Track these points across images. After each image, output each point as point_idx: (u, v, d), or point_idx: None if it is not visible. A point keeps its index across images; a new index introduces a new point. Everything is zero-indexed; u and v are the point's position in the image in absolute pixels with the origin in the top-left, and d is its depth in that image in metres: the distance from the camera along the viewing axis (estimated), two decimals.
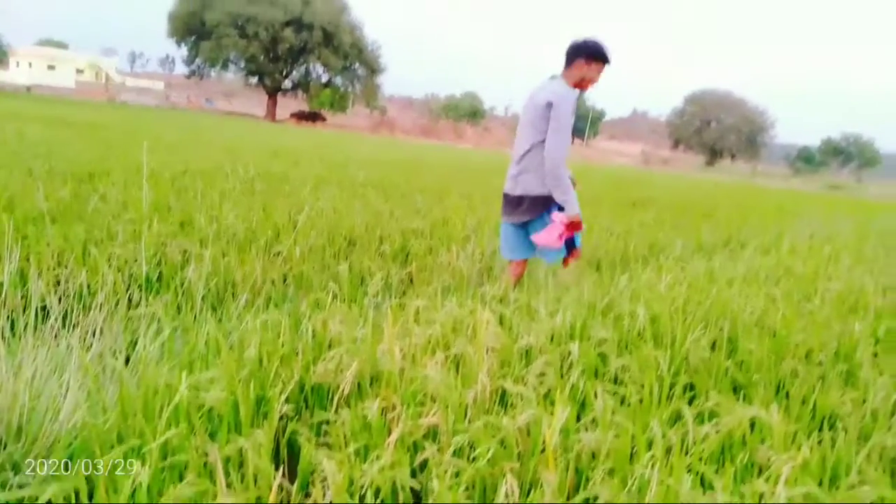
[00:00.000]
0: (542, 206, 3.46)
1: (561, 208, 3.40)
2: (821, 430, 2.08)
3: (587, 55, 3.37)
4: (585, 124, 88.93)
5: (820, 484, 1.68)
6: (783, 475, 1.57)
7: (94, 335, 2.19)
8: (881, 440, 1.91)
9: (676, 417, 2.01)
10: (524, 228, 3.59)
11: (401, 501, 1.58)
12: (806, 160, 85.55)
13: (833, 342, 2.73)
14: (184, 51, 53.13)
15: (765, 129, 72.95)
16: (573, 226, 3.38)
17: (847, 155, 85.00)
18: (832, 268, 4.79)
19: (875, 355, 2.76)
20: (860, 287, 3.91)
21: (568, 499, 1.67)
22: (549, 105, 3.28)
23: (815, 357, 2.62)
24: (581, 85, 3.42)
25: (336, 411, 1.90)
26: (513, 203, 3.56)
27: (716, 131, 72.07)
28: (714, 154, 74.31)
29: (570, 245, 3.57)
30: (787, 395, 2.30)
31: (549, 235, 3.35)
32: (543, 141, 3.35)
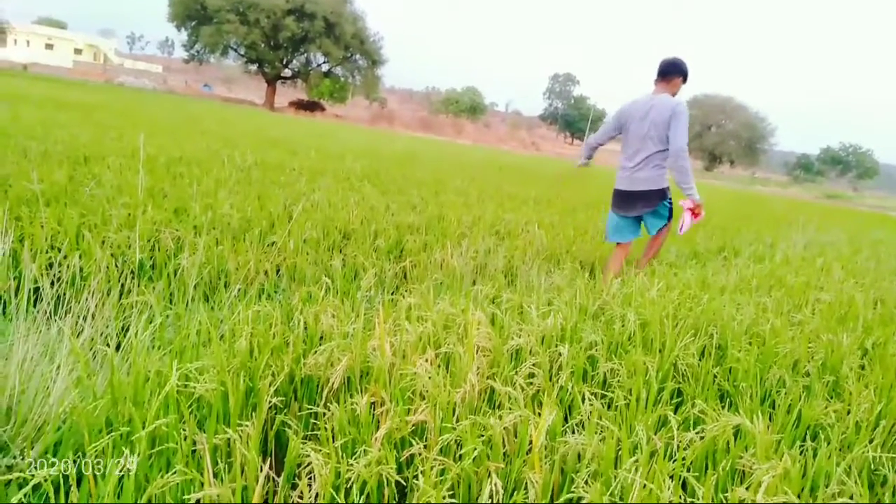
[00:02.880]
0: (658, 198, 4.25)
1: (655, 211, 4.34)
2: (804, 440, 2.10)
3: (685, 77, 4.23)
4: (586, 124, 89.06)
5: (801, 493, 1.70)
6: (764, 484, 1.59)
7: (85, 320, 2.19)
8: (862, 452, 1.93)
9: (662, 423, 2.03)
10: (635, 218, 4.39)
11: (386, 497, 1.60)
12: (805, 168, 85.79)
13: (820, 353, 2.75)
14: (184, 35, 52.76)
15: (765, 136, 72.97)
16: (697, 209, 4.17)
17: (845, 165, 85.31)
18: (824, 279, 4.82)
19: (862, 368, 2.79)
20: (850, 299, 3.94)
21: (552, 500, 1.69)
22: (675, 114, 4.02)
23: (802, 367, 2.64)
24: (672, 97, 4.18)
25: (325, 405, 1.91)
26: (631, 198, 4.32)
27: (716, 136, 72.03)
28: (713, 159, 74.36)
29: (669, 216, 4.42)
30: (773, 404, 2.32)
31: (684, 219, 4.20)
32: (660, 151, 4.13)
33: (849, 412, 2.23)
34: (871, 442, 2.05)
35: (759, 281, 4.29)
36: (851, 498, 1.73)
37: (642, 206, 4.29)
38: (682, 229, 4.30)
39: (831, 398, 2.42)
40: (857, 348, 2.92)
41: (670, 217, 4.41)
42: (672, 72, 4.21)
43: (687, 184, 4.14)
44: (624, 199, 4.38)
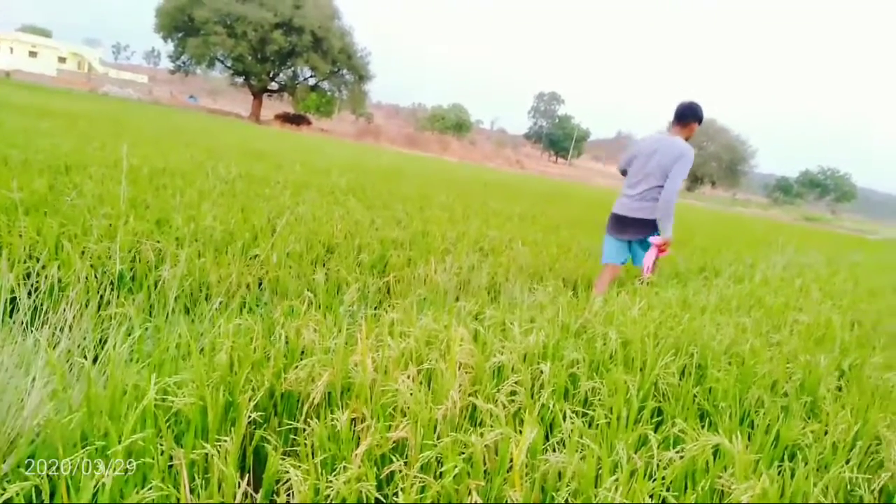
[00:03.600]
0: (651, 228, 4.42)
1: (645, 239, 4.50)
2: (782, 460, 2.11)
3: (700, 120, 4.40)
4: (570, 143, 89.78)
5: None
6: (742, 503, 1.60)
7: (62, 332, 2.16)
8: (839, 472, 1.95)
9: (642, 442, 2.04)
10: (627, 242, 4.60)
11: None
12: (784, 191, 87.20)
13: (798, 374, 2.78)
14: (170, 46, 52.57)
15: (745, 158, 74.13)
16: (664, 246, 4.36)
17: (824, 188, 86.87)
18: (802, 300, 4.88)
19: (839, 389, 2.82)
20: (828, 320, 3.99)
21: None
22: (681, 157, 4.23)
23: (781, 388, 2.67)
24: (686, 140, 4.41)
25: (305, 420, 1.89)
26: (625, 223, 4.54)
27: (698, 158, 72.62)
28: (695, 180, 75.32)
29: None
30: (752, 424, 2.34)
31: (648, 255, 4.41)
32: (659, 186, 4.31)
33: (826, 433, 2.26)
34: (847, 462, 2.07)
35: (738, 301, 4.33)
36: None
37: (633, 231, 4.50)
38: (647, 271, 4.46)
39: (809, 419, 2.44)
40: (834, 369, 2.96)
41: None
42: (689, 116, 4.38)
43: (666, 221, 4.32)
44: (619, 223, 4.58)
